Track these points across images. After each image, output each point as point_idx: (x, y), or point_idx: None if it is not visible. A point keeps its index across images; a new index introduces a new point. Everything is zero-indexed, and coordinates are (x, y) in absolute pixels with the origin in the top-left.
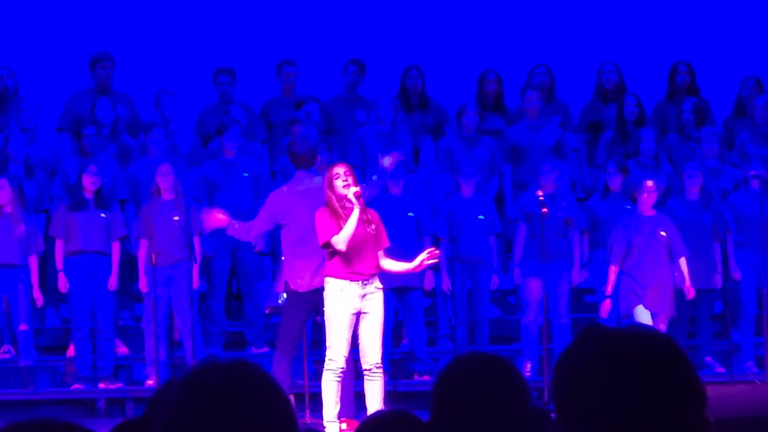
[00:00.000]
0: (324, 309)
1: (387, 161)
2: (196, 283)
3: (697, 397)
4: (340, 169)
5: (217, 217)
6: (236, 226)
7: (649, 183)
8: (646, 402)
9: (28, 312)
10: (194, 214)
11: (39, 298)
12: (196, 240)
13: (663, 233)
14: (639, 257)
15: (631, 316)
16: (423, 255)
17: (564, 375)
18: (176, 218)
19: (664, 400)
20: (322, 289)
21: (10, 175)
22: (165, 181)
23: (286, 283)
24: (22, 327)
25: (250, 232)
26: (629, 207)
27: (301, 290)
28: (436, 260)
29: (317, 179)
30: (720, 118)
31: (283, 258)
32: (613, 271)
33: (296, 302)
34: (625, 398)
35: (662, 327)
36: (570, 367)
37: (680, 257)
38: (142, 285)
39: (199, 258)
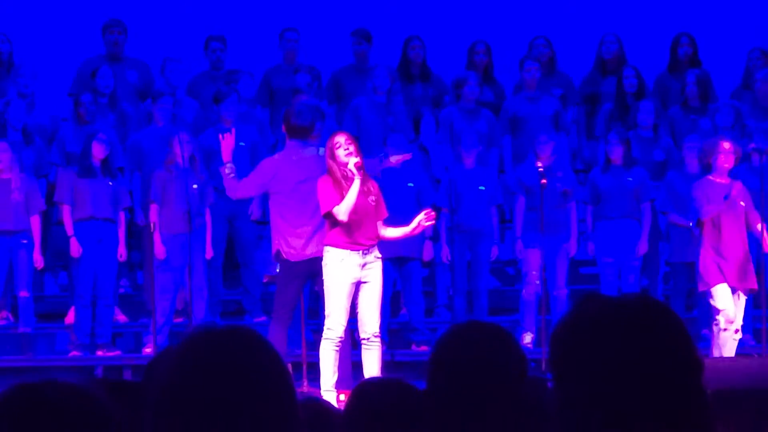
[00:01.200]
0: (319, 279)
1: (394, 159)
2: (210, 252)
3: (693, 364)
4: (340, 138)
5: (228, 148)
6: (229, 173)
7: (726, 144)
8: (642, 369)
9: (29, 278)
10: (207, 184)
11: (39, 260)
12: (207, 210)
13: (742, 203)
14: (719, 228)
15: (709, 294)
16: (420, 216)
17: (561, 342)
18: (195, 186)
19: (661, 367)
20: (316, 259)
21: (9, 141)
22: (184, 150)
23: (277, 252)
24: (23, 293)
25: (237, 190)
26: (630, 180)
27: (292, 260)
28: (432, 222)
29: (311, 149)
30: (720, 90)
31: (271, 226)
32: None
33: (289, 271)
34: (621, 365)
35: (742, 303)
36: (567, 334)
37: (757, 224)
38: (159, 251)
39: (209, 228)
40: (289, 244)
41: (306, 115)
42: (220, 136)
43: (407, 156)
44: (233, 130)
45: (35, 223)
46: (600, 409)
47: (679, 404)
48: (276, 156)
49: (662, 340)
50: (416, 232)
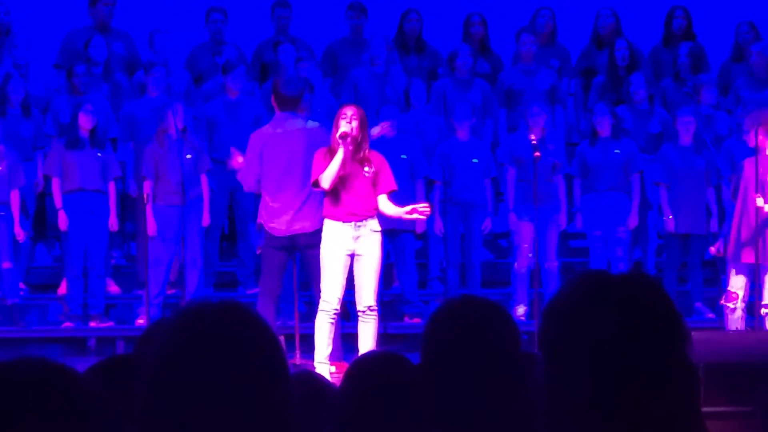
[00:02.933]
0: (306, 253)
1: (375, 131)
2: (207, 220)
3: (680, 334)
4: (348, 110)
5: (238, 160)
6: (239, 168)
7: None
8: (632, 346)
9: (10, 249)
10: (202, 153)
11: (20, 233)
12: (204, 178)
13: None
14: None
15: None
16: (419, 206)
17: (552, 320)
18: (189, 156)
19: (650, 344)
20: (302, 235)
21: (8, 115)
22: (178, 121)
23: (260, 224)
24: (6, 264)
25: (248, 179)
26: (618, 152)
27: (276, 234)
28: (425, 216)
29: (298, 121)
30: (715, 63)
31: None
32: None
33: (272, 244)
34: (611, 343)
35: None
36: (558, 312)
37: None
38: (151, 227)
39: (206, 196)
40: (271, 217)
41: (295, 84)
42: (233, 159)
43: (386, 128)
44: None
45: (15, 197)
46: (590, 386)
47: (669, 380)
48: (263, 128)
49: (651, 319)
50: (407, 217)
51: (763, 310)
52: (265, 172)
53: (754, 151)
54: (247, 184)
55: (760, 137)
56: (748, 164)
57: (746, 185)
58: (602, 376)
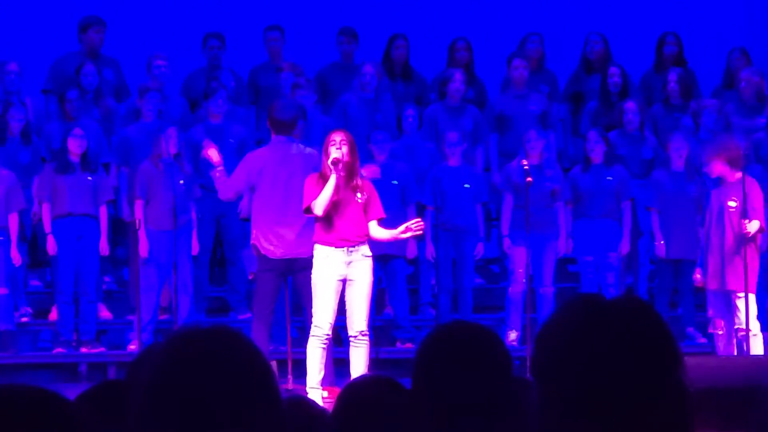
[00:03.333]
0: (299, 276)
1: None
2: (196, 248)
3: (675, 364)
4: (337, 136)
5: (215, 152)
6: (220, 176)
7: None
8: (625, 371)
9: (5, 275)
10: (194, 179)
11: (16, 257)
12: (192, 205)
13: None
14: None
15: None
16: (410, 223)
17: (545, 345)
18: (181, 182)
19: (643, 369)
20: (300, 259)
21: (7, 142)
22: (171, 145)
23: (254, 246)
24: (1, 290)
25: (227, 189)
26: (610, 179)
27: (271, 257)
28: (420, 232)
29: (297, 146)
30: (706, 89)
31: (251, 221)
32: None
33: (266, 267)
34: (604, 368)
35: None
36: (551, 337)
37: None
38: (143, 248)
39: (195, 223)
40: (268, 240)
41: (289, 110)
42: (206, 149)
43: (372, 172)
44: (209, 144)
45: (13, 221)
46: (583, 411)
47: (661, 405)
48: (262, 150)
49: (645, 343)
50: (403, 236)
51: (740, 334)
52: (264, 195)
53: (718, 182)
54: (225, 193)
55: (720, 166)
56: (715, 195)
57: (710, 216)
58: (595, 400)
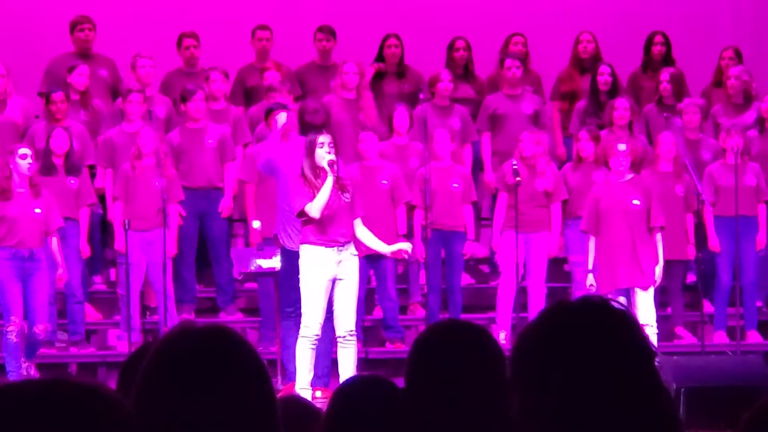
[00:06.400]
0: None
1: (389, 253)
2: (173, 250)
3: (645, 354)
4: (325, 139)
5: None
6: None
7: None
8: (603, 376)
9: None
10: (173, 180)
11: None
12: (172, 207)
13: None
14: None
15: None
16: (403, 246)
17: (523, 354)
18: (157, 183)
19: (614, 364)
20: None
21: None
22: (146, 146)
23: (275, 236)
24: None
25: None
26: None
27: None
28: (407, 257)
29: None
30: (693, 89)
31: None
32: None
33: (293, 261)
34: (582, 373)
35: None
36: (529, 346)
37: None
38: (119, 246)
39: (173, 225)
40: (292, 234)
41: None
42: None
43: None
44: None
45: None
46: (563, 418)
47: (641, 407)
48: (284, 149)
49: (619, 345)
50: (392, 255)
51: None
52: (287, 185)
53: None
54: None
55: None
56: None
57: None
58: (574, 405)
